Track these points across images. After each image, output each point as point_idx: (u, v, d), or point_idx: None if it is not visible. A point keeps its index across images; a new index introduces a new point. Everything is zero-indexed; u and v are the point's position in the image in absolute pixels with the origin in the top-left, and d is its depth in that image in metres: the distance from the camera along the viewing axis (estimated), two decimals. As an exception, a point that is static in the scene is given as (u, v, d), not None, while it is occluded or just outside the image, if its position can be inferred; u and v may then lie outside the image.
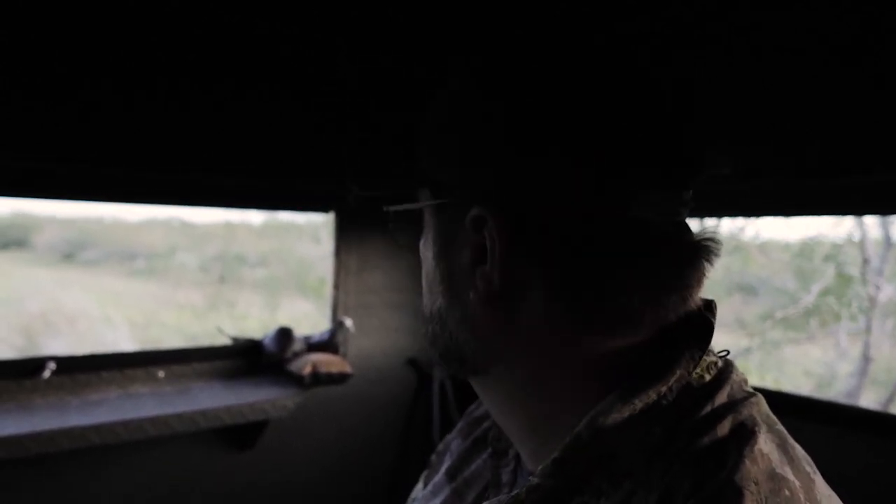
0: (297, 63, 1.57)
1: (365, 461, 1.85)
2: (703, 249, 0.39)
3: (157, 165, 1.40)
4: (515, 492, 0.38)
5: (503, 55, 0.41)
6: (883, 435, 1.09)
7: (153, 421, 1.33)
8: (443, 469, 0.56)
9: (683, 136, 0.38)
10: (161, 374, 1.53)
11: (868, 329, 2.61)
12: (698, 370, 0.38)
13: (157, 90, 1.36)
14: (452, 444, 0.58)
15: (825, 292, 2.73)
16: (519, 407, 0.42)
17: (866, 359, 2.60)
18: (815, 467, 0.36)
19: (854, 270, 2.67)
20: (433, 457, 0.60)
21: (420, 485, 0.59)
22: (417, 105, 1.67)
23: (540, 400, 0.40)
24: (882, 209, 1.21)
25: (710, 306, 0.40)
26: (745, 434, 0.34)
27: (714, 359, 0.39)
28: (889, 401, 2.62)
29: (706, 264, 0.39)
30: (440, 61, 1.58)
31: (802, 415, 1.16)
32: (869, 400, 2.62)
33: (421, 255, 0.45)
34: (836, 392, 2.77)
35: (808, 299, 2.75)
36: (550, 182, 0.36)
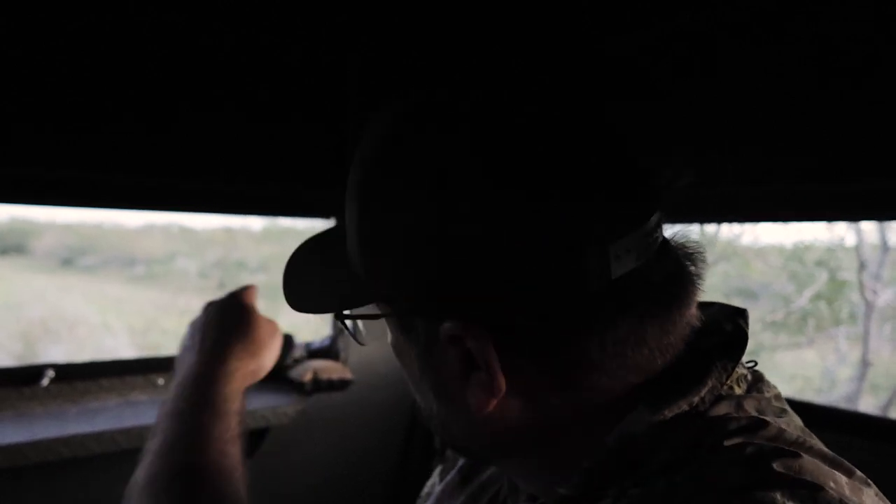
0: (300, 70, 1.57)
1: (367, 468, 1.85)
2: (685, 268, 0.37)
3: (157, 171, 1.40)
4: (541, 501, 0.38)
5: (436, 133, 0.35)
6: (883, 439, 1.09)
7: (153, 429, 1.32)
8: (457, 466, 0.55)
9: (639, 166, 0.36)
10: (161, 381, 1.53)
11: (866, 333, 2.61)
12: (729, 382, 0.36)
13: (156, 96, 1.37)
14: None
15: (817, 297, 2.74)
16: (536, 474, 0.41)
17: (865, 363, 2.61)
18: (856, 485, 0.34)
19: (847, 275, 2.68)
20: (449, 450, 0.59)
21: (436, 479, 0.58)
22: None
23: (560, 460, 0.38)
24: (880, 215, 1.22)
25: (742, 314, 0.39)
26: (774, 446, 0.33)
27: (744, 371, 0.38)
28: (888, 405, 2.62)
29: (697, 280, 0.37)
30: (445, 73, 1.58)
31: (803, 420, 1.16)
32: (868, 404, 2.62)
33: (394, 353, 0.42)
34: (835, 397, 2.77)
35: (800, 303, 2.75)
36: (523, 275, 0.32)
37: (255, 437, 1.55)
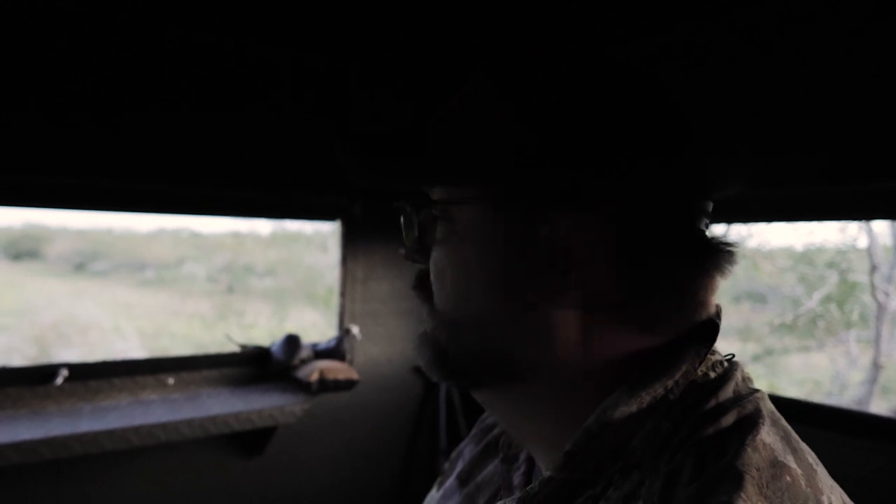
0: (304, 76, 1.60)
1: (372, 467, 1.86)
2: (727, 256, 0.40)
3: (168, 177, 1.43)
4: (530, 486, 0.39)
5: (569, 59, 0.40)
6: (894, 441, 1.08)
7: (164, 427, 1.34)
8: (454, 474, 0.57)
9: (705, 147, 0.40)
10: (171, 380, 1.55)
11: (877, 336, 2.58)
12: (703, 368, 0.38)
13: (166, 104, 1.39)
14: (465, 451, 0.58)
15: (827, 299, 2.71)
16: (542, 413, 0.41)
17: (876, 366, 2.57)
18: (817, 460, 0.37)
19: (858, 277, 2.65)
20: (447, 464, 0.60)
21: (434, 490, 0.59)
22: (421, 116, 1.69)
23: (565, 405, 0.39)
24: (892, 215, 1.21)
25: (716, 309, 0.42)
26: (748, 425, 0.35)
27: (720, 358, 0.40)
28: (901, 409, 2.58)
29: (728, 270, 0.40)
30: (447, 77, 1.59)
31: (815, 421, 1.15)
32: (880, 409, 2.59)
33: (442, 256, 0.42)
34: (846, 400, 2.73)
35: (810, 306, 2.73)
36: (636, 186, 0.37)
37: (262, 436, 1.56)
